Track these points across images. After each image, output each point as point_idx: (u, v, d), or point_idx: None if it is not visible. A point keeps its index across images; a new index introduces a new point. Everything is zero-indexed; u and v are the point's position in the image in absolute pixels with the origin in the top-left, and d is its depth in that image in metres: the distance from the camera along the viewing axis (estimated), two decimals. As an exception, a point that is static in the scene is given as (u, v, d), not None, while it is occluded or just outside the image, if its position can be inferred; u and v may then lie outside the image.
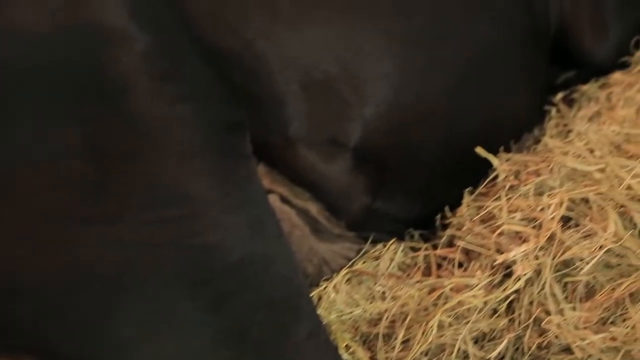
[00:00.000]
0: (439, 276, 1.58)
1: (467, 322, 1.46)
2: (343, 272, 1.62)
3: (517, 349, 1.46)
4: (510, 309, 1.49)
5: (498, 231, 1.53)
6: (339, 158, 1.54)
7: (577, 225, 1.50)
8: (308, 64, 1.48)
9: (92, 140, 1.20)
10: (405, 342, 1.49)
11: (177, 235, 1.23)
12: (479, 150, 1.63)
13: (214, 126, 1.29)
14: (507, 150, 1.71)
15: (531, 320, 1.44)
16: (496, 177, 1.64)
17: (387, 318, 1.53)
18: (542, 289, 1.46)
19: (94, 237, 1.21)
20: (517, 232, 1.52)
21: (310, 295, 1.43)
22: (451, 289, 1.51)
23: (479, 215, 1.59)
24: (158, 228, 1.22)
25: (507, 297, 1.48)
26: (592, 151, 1.62)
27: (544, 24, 1.84)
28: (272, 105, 1.46)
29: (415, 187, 1.65)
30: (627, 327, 1.40)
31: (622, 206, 1.49)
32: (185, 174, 1.24)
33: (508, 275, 1.49)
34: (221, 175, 1.27)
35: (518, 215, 1.53)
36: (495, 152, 1.67)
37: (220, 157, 1.28)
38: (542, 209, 1.52)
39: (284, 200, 1.54)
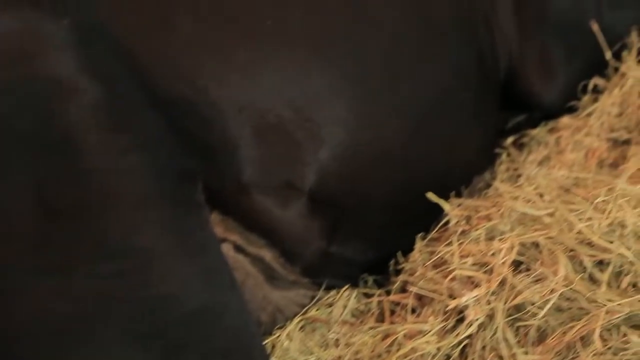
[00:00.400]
0: (392, 322, 1.58)
1: (421, 368, 1.47)
2: (296, 319, 1.62)
3: (471, 393, 1.47)
4: (463, 354, 1.49)
5: (450, 276, 1.53)
6: (294, 203, 1.54)
7: (528, 269, 1.52)
8: (262, 108, 1.49)
9: (42, 193, 1.20)
10: (359, 389, 1.49)
11: (128, 288, 1.22)
12: (431, 196, 1.65)
13: (165, 176, 1.29)
14: (459, 194, 1.73)
15: (484, 365, 1.45)
16: (448, 222, 1.65)
17: (341, 365, 1.53)
18: (495, 333, 1.47)
19: (43, 289, 1.20)
20: (469, 277, 1.53)
21: (264, 344, 1.43)
22: (404, 335, 1.52)
23: (431, 261, 1.60)
24: (109, 281, 1.21)
25: (460, 342, 1.49)
26: (541, 195, 1.64)
27: (494, 69, 1.87)
28: (226, 152, 1.47)
29: (369, 230, 1.65)
30: (578, 371, 1.41)
31: (571, 250, 1.51)
32: (136, 225, 1.23)
33: (461, 320, 1.50)
34: (173, 226, 1.27)
35: (470, 260, 1.55)
36: (447, 197, 1.68)
37: (172, 206, 1.28)
38: (493, 254, 1.53)
39: (238, 248, 1.53)
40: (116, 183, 1.23)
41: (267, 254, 1.55)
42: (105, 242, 1.21)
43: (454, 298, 1.50)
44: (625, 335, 1.40)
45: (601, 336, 1.40)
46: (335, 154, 1.53)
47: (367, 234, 1.64)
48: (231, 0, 1.51)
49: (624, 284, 1.46)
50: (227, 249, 1.50)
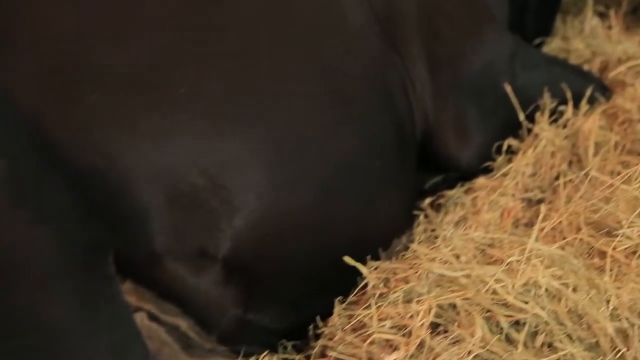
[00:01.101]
0: (312, 387, 1.57)
1: None
2: (215, 387, 1.59)
3: None
4: (383, 417, 1.48)
5: (369, 340, 1.53)
6: (208, 270, 1.53)
7: (445, 331, 1.52)
8: (175, 176, 1.48)
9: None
10: None
11: (35, 363, 1.19)
12: (348, 260, 1.64)
13: (74, 248, 1.27)
14: (376, 257, 1.73)
15: None
16: (366, 285, 1.65)
17: None
18: (414, 396, 1.46)
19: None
20: (387, 341, 1.52)
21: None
22: (324, 400, 1.51)
23: (350, 324, 1.59)
24: (16, 357, 1.17)
25: (380, 405, 1.48)
26: (458, 257, 1.65)
27: (410, 131, 1.89)
28: (138, 220, 1.45)
29: (286, 297, 1.64)
30: None
31: (488, 311, 1.52)
32: (44, 299, 1.21)
33: (381, 383, 1.49)
34: (82, 299, 1.24)
35: (388, 323, 1.54)
36: (365, 260, 1.68)
37: (81, 279, 1.26)
38: (411, 316, 1.53)
39: (153, 317, 1.51)
40: (23, 257, 1.20)
41: (182, 323, 1.53)
42: (12, 318, 1.18)
43: (373, 362, 1.50)
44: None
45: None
46: (249, 221, 1.53)
47: (284, 300, 1.63)
48: (143, 68, 1.51)
49: (538, 343, 1.47)
50: (141, 318, 1.48)
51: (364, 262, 1.67)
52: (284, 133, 1.60)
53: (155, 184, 1.46)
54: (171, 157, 1.49)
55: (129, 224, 1.43)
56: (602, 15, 2.48)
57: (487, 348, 1.46)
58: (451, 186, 1.99)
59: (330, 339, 1.61)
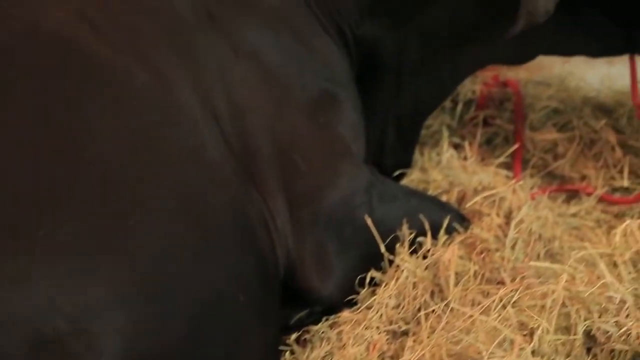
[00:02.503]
0: None
1: None
2: None
3: None
4: None
5: None
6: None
7: None
8: (36, 322, 1.44)
9: None
10: None
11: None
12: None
13: None
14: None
15: None
16: None
17: None
18: None
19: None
20: None
21: None
22: None
23: None
24: None
25: None
26: (323, 395, 1.62)
27: (273, 266, 1.88)
28: None
29: None
30: None
31: None
32: None
33: None
34: None
35: None
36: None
37: None
38: None
39: None
40: None
41: None
42: None
43: None
44: None
45: None
46: None
47: None
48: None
49: None
50: None
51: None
52: (148, 271, 1.57)
53: (16, 331, 1.41)
54: (32, 302, 1.44)
55: None
56: (458, 147, 2.56)
57: None
58: (316, 321, 1.97)
59: None
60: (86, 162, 1.61)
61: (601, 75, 2.85)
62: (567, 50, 2.38)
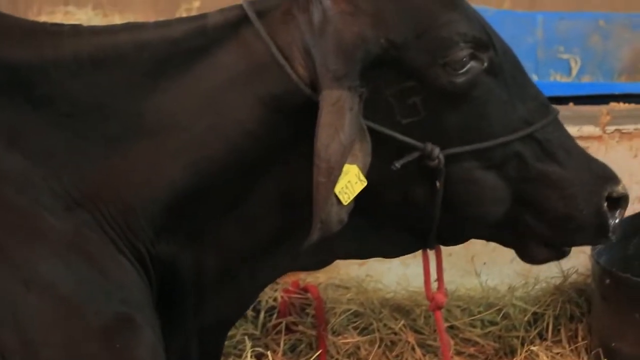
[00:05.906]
0: None
1: None
2: None
3: None
4: None
5: None
6: None
7: None
8: None
9: None
10: None
11: None
12: None
13: None
14: None
15: None
16: None
17: None
18: None
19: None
20: None
21: None
22: None
23: None
24: None
25: None
26: None
27: None
28: None
29: None
30: None
31: None
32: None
33: None
34: None
35: None
36: None
37: None
38: None
39: None
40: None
41: None
42: None
43: None
44: None
45: None
46: None
47: None
48: None
49: None
50: None
51: None
52: None
53: None
54: None
55: None
56: (262, 356, 2.54)
57: None
58: None
59: None
60: None
61: (397, 277, 2.93)
62: (363, 254, 2.43)
